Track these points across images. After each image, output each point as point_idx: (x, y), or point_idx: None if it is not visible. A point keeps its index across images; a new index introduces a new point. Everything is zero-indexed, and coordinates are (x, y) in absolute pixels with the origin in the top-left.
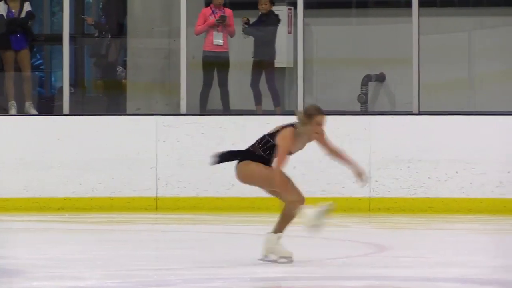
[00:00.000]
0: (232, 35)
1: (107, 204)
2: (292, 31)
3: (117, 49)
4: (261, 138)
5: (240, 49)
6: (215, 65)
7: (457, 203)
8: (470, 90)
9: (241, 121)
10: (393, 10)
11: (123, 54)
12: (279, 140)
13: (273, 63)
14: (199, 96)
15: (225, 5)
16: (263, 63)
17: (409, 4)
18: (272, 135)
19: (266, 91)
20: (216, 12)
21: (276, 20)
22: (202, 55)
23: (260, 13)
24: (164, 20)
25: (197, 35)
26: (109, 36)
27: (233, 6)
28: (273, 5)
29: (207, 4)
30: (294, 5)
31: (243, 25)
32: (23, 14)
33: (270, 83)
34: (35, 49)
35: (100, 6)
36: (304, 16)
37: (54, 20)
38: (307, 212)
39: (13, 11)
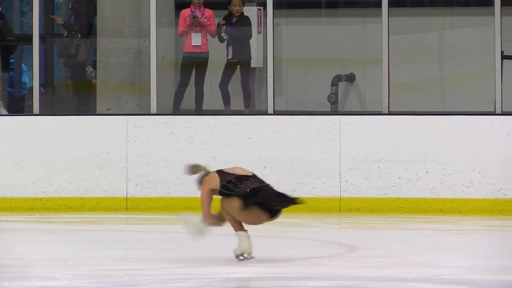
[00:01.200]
0: (213, 35)
1: (78, 204)
2: (262, 31)
3: (86, 49)
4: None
5: (221, 50)
6: (193, 66)
7: (428, 203)
8: (440, 90)
9: (212, 121)
10: (363, 10)
11: (93, 54)
12: None
13: (249, 64)
14: (174, 96)
15: (206, 5)
16: (240, 64)
17: (379, 4)
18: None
19: (236, 91)
20: (195, 13)
21: (248, 21)
22: (174, 55)
23: (233, 14)
24: (133, 20)
25: (180, 36)
26: (79, 36)
27: (214, 6)
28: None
29: (177, 5)
30: (264, 5)
31: (222, 28)
32: None
33: (244, 83)
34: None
35: (70, 6)
36: (273, 16)
37: (23, 20)
38: (191, 219)
39: None
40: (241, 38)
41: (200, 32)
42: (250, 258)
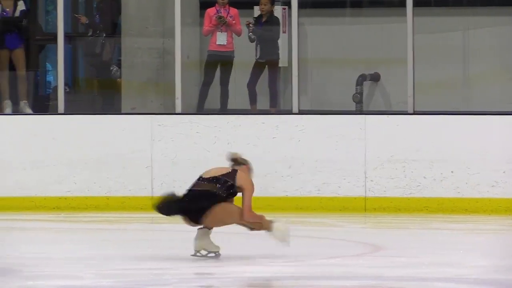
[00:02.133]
0: (238, 34)
1: (102, 203)
2: (287, 31)
3: (111, 48)
4: (220, 181)
5: (246, 49)
6: (218, 65)
7: (452, 202)
8: (464, 89)
9: (237, 121)
10: (388, 9)
11: (117, 53)
12: (247, 183)
13: (277, 64)
14: (199, 95)
15: (231, 4)
16: (268, 64)
17: (403, 4)
18: (228, 178)
19: (261, 91)
20: (220, 12)
21: (277, 21)
22: (199, 55)
23: (260, 14)
24: (158, 19)
25: (205, 35)
26: (104, 35)
27: (238, 6)
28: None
29: (202, 4)
30: (289, 4)
31: (250, 28)
32: (17, 13)
33: (272, 83)
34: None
35: (94, 5)
36: (298, 16)
37: (48, 19)
38: (280, 227)
39: (7, 10)
40: (269, 38)
41: (225, 31)
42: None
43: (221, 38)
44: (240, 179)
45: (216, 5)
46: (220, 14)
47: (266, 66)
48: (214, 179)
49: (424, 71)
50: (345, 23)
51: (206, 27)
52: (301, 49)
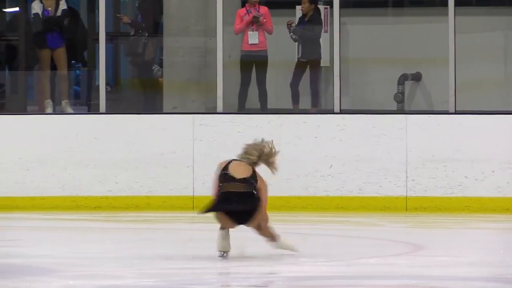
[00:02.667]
0: (270, 32)
1: (144, 203)
2: (329, 30)
3: (153, 48)
4: (249, 182)
5: (281, 48)
6: (252, 64)
7: (494, 202)
8: (506, 89)
9: (278, 120)
10: (429, 9)
11: (159, 53)
12: (263, 184)
13: (319, 63)
14: (238, 95)
15: (260, 3)
16: (309, 63)
17: (445, 3)
18: (253, 180)
19: (304, 91)
20: (251, 12)
21: (319, 20)
22: (240, 54)
23: (302, 13)
24: (200, 18)
25: (237, 34)
26: (146, 34)
27: (280, 6)
28: (314, 6)
29: (244, 3)
30: (330, 4)
31: (291, 28)
32: (58, 13)
33: (313, 82)
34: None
35: (136, 4)
36: (340, 15)
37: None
38: (288, 244)
39: (48, 9)
40: (310, 38)
41: (257, 30)
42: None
43: (253, 38)
44: (259, 180)
45: (247, 4)
46: (256, 14)
47: (308, 65)
48: (245, 180)
49: (465, 71)
50: (387, 23)
51: (237, 26)
52: (343, 48)
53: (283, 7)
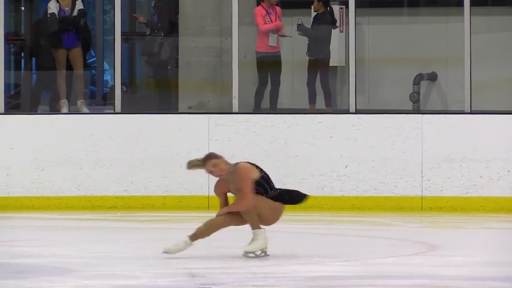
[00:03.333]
0: (283, 34)
1: (159, 202)
2: (344, 30)
3: (169, 48)
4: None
5: (296, 48)
6: (269, 65)
7: (509, 202)
8: None
9: (293, 120)
10: (445, 9)
11: (174, 53)
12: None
13: (327, 62)
14: (254, 95)
15: (290, 3)
16: (318, 62)
17: (461, 3)
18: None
19: (318, 90)
20: (270, 13)
21: (330, 20)
22: (255, 55)
23: (315, 12)
24: (215, 18)
25: (263, 32)
26: (162, 34)
27: (285, 5)
28: (326, 6)
29: (259, 3)
30: (346, 4)
31: (298, 26)
32: (75, 13)
33: (324, 82)
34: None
35: (152, 4)
36: (355, 15)
37: (106, 19)
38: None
39: (65, 9)
40: (317, 36)
41: (276, 33)
42: (264, 256)
43: (273, 40)
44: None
45: (263, 4)
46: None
47: (318, 65)
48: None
49: (481, 71)
50: (402, 23)
51: (265, 25)
52: (358, 48)
53: (298, 7)
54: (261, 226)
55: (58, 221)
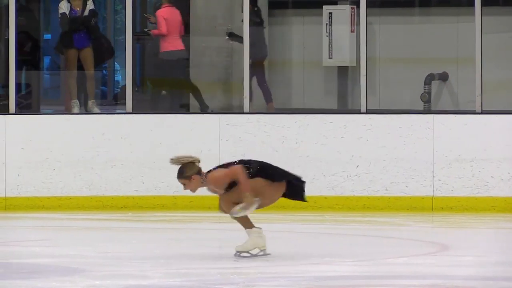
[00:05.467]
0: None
1: (170, 202)
2: (355, 30)
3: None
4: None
5: (307, 48)
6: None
7: None
8: None
9: (304, 120)
10: (456, 9)
11: (186, 53)
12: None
13: (263, 62)
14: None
15: (287, 3)
16: (255, 63)
17: (471, 3)
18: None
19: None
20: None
21: (259, 20)
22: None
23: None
24: (226, 19)
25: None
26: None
27: (297, 5)
28: (253, 8)
29: (270, 3)
30: (357, 4)
31: (226, 33)
32: (86, 13)
33: (260, 81)
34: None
35: None
36: (367, 15)
37: (117, 19)
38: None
39: (76, 9)
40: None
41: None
42: (263, 255)
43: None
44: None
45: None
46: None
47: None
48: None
49: (492, 71)
50: (413, 23)
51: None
52: (369, 48)
53: (309, 7)
54: (257, 225)
55: (69, 221)
